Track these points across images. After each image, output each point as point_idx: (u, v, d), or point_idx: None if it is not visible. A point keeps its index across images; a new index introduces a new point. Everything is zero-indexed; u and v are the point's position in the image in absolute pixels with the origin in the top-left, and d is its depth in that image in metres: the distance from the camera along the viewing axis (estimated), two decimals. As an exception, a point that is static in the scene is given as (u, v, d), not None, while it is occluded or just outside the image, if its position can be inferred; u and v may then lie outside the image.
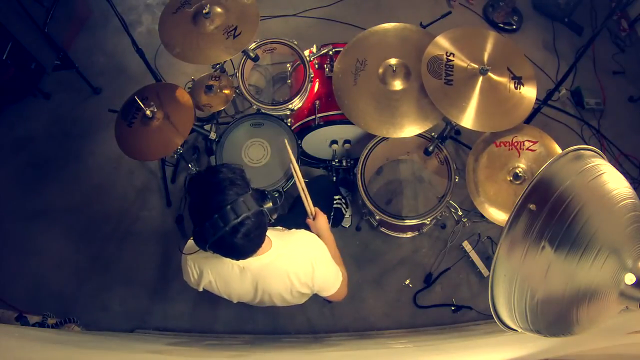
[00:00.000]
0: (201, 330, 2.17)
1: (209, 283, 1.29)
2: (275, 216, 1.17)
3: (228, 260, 1.17)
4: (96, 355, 1.40)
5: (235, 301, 1.38)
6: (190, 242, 1.24)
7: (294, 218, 1.63)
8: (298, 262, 1.27)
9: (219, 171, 1.08)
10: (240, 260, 1.17)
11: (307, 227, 1.50)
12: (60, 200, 2.46)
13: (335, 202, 1.99)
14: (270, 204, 1.13)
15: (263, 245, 1.17)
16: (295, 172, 1.57)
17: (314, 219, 1.54)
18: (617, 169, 0.77)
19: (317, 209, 1.56)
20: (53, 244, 2.37)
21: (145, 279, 2.29)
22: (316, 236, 1.36)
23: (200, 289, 1.33)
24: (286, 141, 1.70)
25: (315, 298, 1.64)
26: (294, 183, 1.93)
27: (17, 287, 2.24)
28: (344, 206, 2.14)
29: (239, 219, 1.02)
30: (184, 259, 1.28)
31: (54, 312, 1.73)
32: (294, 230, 1.37)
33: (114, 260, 2.33)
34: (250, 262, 1.20)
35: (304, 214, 1.56)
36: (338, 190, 2.09)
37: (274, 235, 1.26)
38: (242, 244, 1.06)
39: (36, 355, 1.20)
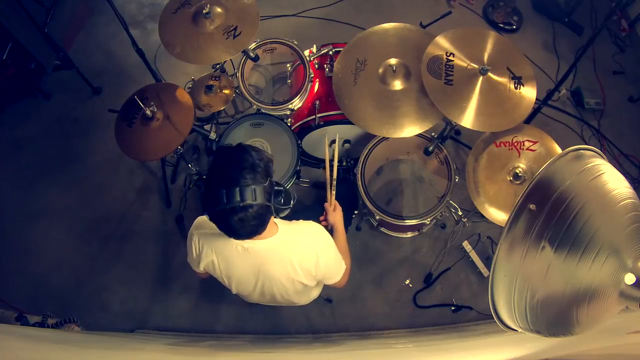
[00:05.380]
0: (201, 330, 2.17)
1: (212, 263, 1.29)
2: (284, 214, 1.19)
3: (233, 239, 1.19)
4: (96, 355, 1.40)
5: (234, 290, 1.38)
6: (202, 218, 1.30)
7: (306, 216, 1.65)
8: (302, 250, 1.28)
9: (247, 151, 1.10)
10: (246, 241, 1.20)
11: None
12: (60, 200, 2.46)
13: (353, 215, 2.02)
14: (282, 201, 1.15)
15: (268, 229, 1.19)
16: (332, 160, 1.66)
17: (334, 209, 1.58)
18: (617, 169, 0.77)
19: (336, 202, 1.60)
20: (53, 244, 2.37)
21: (145, 279, 2.29)
22: (322, 226, 1.37)
23: (201, 269, 1.33)
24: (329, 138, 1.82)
25: (315, 299, 1.64)
26: (294, 184, 1.94)
27: (17, 287, 2.24)
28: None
29: (241, 204, 1.04)
30: (190, 235, 1.31)
31: (54, 312, 1.73)
32: (301, 220, 1.38)
33: (114, 260, 2.33)
34: (255, 244, 1.21)
35: (316, 216, 1.57)
36: (357, 204, 2.11)
37: (281, 222, 1.28)
38: (236, 226, 1.08)
39: (36, 355, 1.19)
